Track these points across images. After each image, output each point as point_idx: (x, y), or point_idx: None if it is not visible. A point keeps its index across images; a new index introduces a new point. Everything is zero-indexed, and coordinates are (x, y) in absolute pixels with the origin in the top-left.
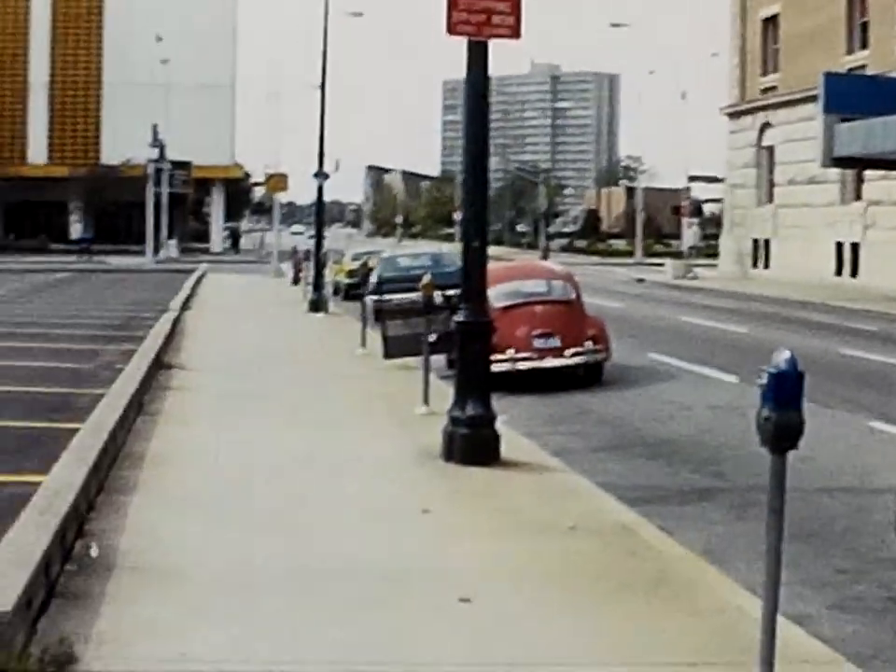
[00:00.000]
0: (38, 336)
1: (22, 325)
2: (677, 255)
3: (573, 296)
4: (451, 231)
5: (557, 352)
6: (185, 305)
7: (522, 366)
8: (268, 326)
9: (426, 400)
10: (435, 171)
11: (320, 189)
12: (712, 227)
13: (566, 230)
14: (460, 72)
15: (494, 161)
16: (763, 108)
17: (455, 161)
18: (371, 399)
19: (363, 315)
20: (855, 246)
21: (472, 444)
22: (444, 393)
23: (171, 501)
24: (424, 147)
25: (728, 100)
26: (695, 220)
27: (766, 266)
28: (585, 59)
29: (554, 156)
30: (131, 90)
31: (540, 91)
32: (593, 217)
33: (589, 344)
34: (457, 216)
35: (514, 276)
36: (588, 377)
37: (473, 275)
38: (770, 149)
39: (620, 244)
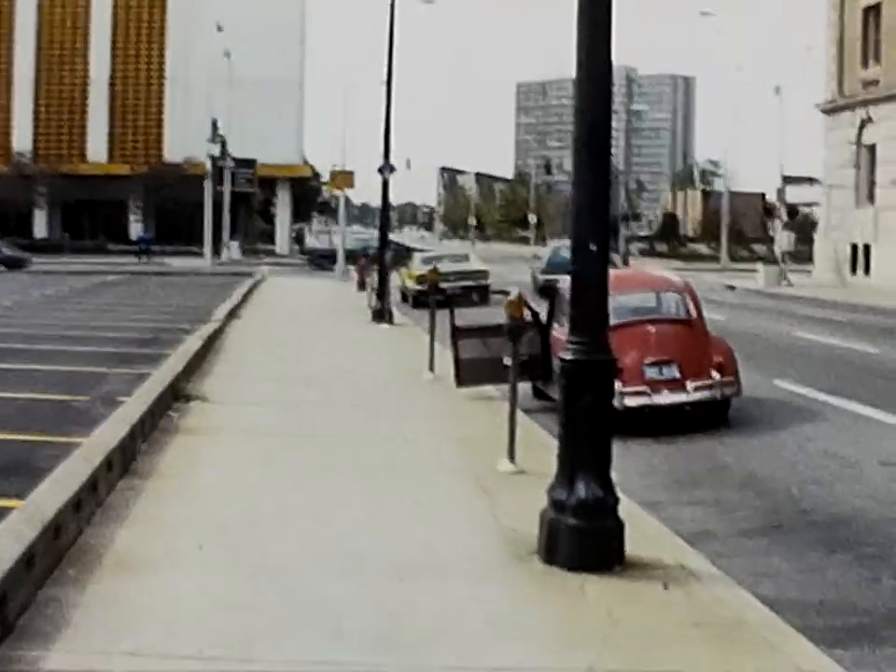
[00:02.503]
0: (46, 355)
1: (36, 339)
2: (763, 260)
3: (694, 313)
4: (525, 234)
5: (676, 385)
6: (233, 314)
7: (631, 402)
8: (322, 341)
9: (511, 455)
10: (508, 173)
11: (385, 185)
12: (798, 231)
13: (640, 233)
14: (533, 74)
15: (567, 162)
16: (864, 103)
17: (528, 163)
18: (439, 446)
19: (431, 327)
20: None
21: (585, 542)
22: (532, 437)
23: None
24: (497, 149)
25: (824, 95)
26: (785, 223)
27: (867, 273)
28: (661, 61)
29: (629, 158)
30: (195, 85)
31: (616, 94)
32: (670, 221)
33: (715, 375)
34: (532, 218)
35: (620, 287)
36: (710, 415)
37: (589, 291)
38: (871, 147)
39: (699, 248)
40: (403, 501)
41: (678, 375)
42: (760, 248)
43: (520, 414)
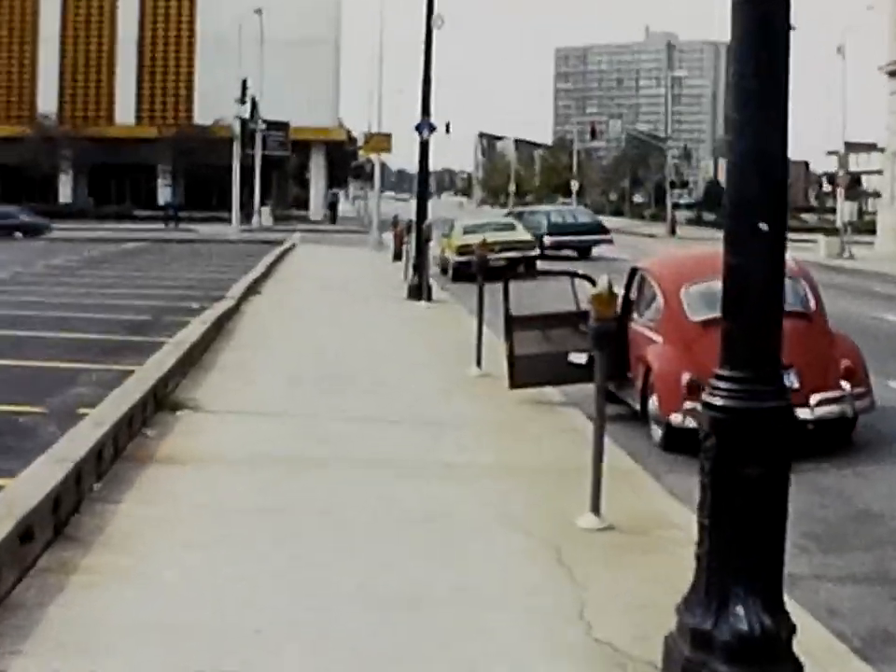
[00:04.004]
0: (18, 343)
1: (14, 322)
2: (818, 230)
3: (813, 304)
4: (567, 200)
5: (795, 398)
6: (252, 289)
7: None
8: (350, 324)
9: (596, 505)
10: (547, 139)
11: (424, 146)
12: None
13: (682, 201)
14: (573, 39)
15: (610, 127)
16: None
17: (568, 129)
18: (494, 483)
19: (479, 311)
20: None
21: None
22: (617, 470)
23: None
24: (536, 116)
25: (889, 56)
26: (847, 192)
27: None
28: (702, 27)
29: (669, 125)
30: (226, 45)
31: (656, 60)
32: (713, 189)
33: (845, 385)
34: (574, 184)
35: (715, 270)
36: (833, 436)
37: (754, 296)
38: None
39: None
40: (447, 580)
41: (797, 385)
42: (809, 217)
43: (589, 426)
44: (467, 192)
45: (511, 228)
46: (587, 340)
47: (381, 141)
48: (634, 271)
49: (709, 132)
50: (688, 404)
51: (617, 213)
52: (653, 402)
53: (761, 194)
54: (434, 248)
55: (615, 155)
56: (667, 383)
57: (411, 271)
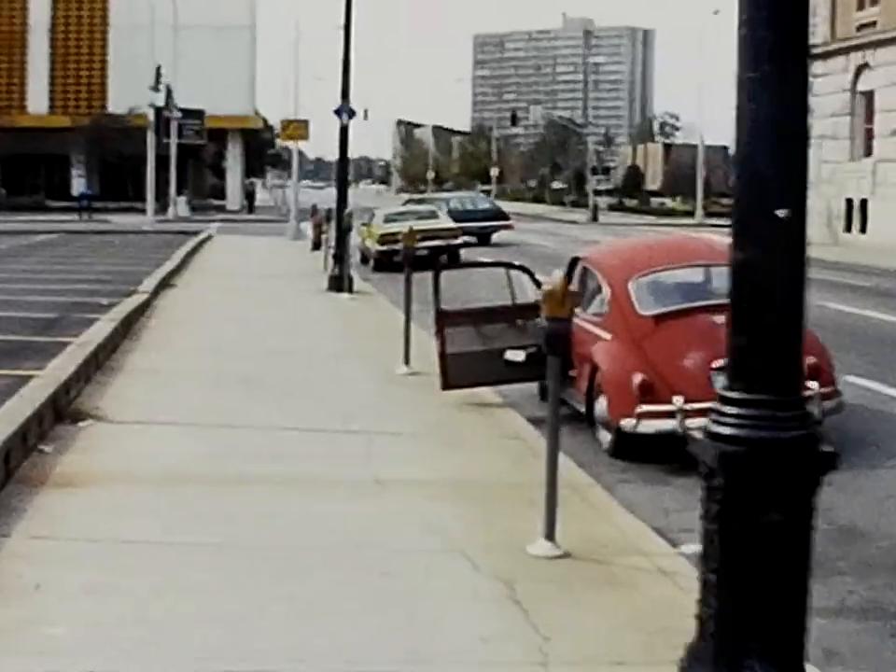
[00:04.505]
0: None
1: None
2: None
3: None
4: (487, 187)
5: None
6: (167, 282)
7: (695, 423)
8: (269, 319)
9: (550, 534)
10: (465, 126)
11: (344, 132)
12: None
13: (600, 187)
14: (490, 26)
15: (531, 113)
16: (859, 48)
17: (486, 116)
18: (436, 507)
19: (406, 306)
20: None
21: None
22: (570, 486)
23: None
24: (453, 103)
25: (815, 39)
26: None
27: (863, 230)
28: (618, 13)
29: (587, 111)
30: (141, 32)
31: (573, 46)
32: (633, 174)
33: (812, 385)
34: (494, 171)
35: (673, 259)
36: None
37: (770, 299)
38: (868, 94)
39: (664, 202)
40: (385, 630)
41: None
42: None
43: (531, 432)
44: (385, 181)
45: (435, 216)
46: (524, 336)
47: (298, 128)
48: (575, 261)
49: (627, 118)
50: (641, 408)
51: (537, 200)
52: (601, 405)
53: (779, 172)
54: (354, 237)
55: (534, 142)
56: (617, 384)
57: (331, 261)
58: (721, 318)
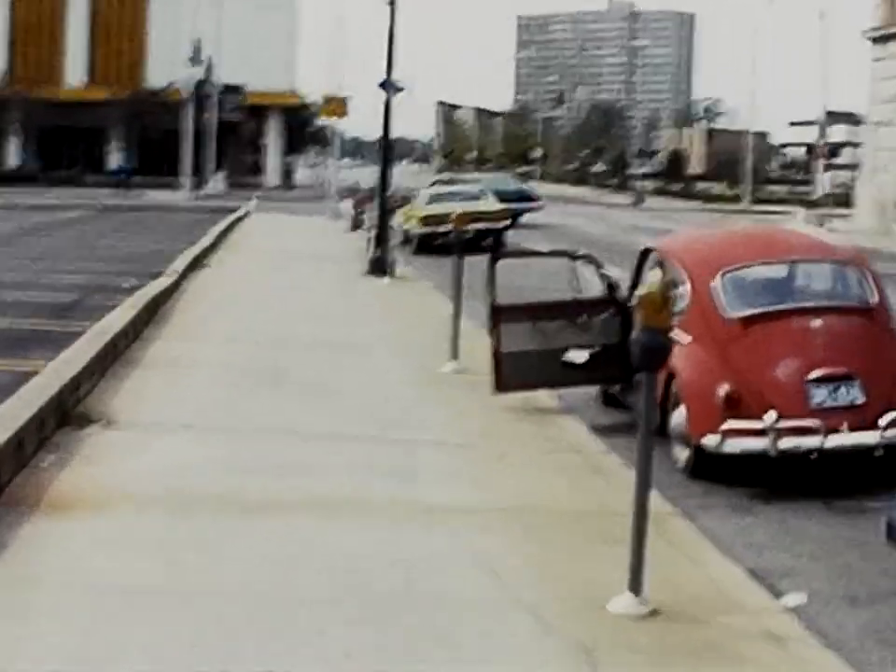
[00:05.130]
0: None
1: None
2: (796, 202)
3: (874, 298)
4: (529, 168)
5: (859, 415)
6: (199, 262)
7: (789, 444)
8: (304, 305)
9: (635, 587)
10: (507, 108)
11: (387, 107)
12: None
13: (642, 170)
14: (534, 7)
15: (578, 93)
16: None
17: (528, 97)
18: (492, 543)
19: (456, 296)
20: None
21: None
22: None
23: None
24: (495, 84)
25: (871, 22)
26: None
27: None
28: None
29: (630, 95)
30: (182, 6)
31: (618, 28)
32: (676, 159)
33: None
34: (538, 151)
35: (761, 255)
36: (888, 459)
37: None
38: None
39: (710, 187)
40: None
41: (861, 401)
42: (778, 189)
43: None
44: (425, 160)
45: (480, 197)
46: (588, 334)
47: (338, 105)
48: (646, 252)
49: (670, 100)
50: (727, 423)
51: (580, 182)
52: (678, 418)
53: None
54: (395, 218)
55: (577, 124)
56: (699, 395)
57: (372, 244)
58: (818, 322)
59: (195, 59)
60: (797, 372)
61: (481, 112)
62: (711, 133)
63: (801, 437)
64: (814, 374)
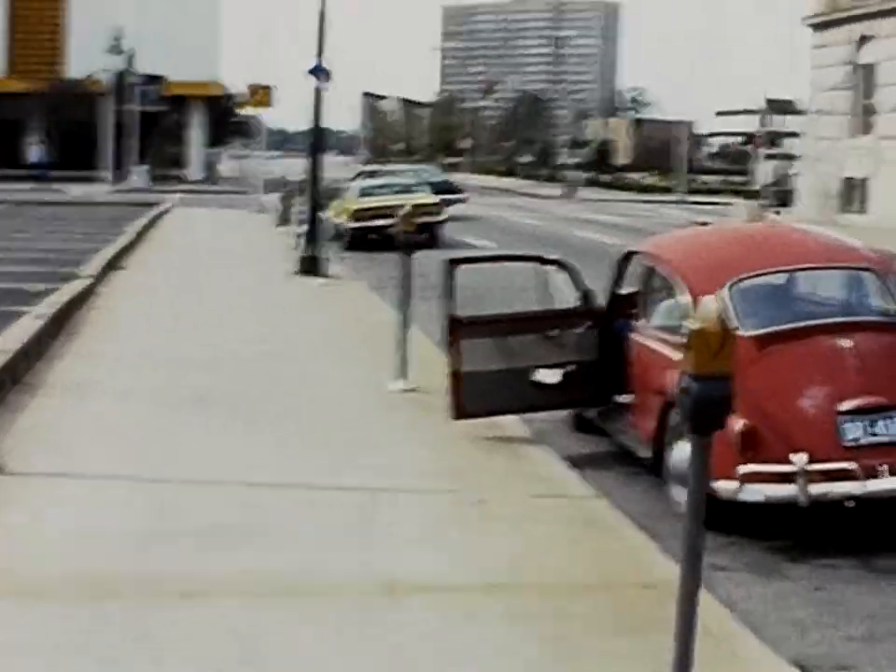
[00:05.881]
0: None
1: None
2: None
3: None
4: (455, 160)
5: None
6: (115, 263)
7: (822, 490)
8: (232, 312)
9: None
10: (431, 99)
11: (318, 94)
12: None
13: (572, 161)
14: None
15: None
16: (861, 18)
17: (454, 88)
18: (490, 639)
19: (404, 305)
20: None
21: None
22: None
23: None
24: (421, 75)
25: (812, 9)
26: (767, 153)
27: (862, 210)
28: None
29: (556, 85)
30: None
31: (543, 19)
32: (604, 149)
33: None
34: (465, 143)
35: (773, 261)
36: None
37: None
38: (869, 68)
39: (638, 178)
40: None
41: None
42: (710, 179)
43: (577, 484)
44: (351, 152)
45: (415, 190)
46: (561, 351)
47: (262, 95)
48: (628, 256)
49: (596, 91)
50: (746, 467)
51: (509, 173)
52: (681, 456)
53: None
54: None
55: (502, 115)
56: None
57: (302, 241)
58: (847, 342)
59: (115, 49)
60: (826, 403)
61: (407, 103)
62: (638, 123)
63: (834, 482)
64: (846, 405)
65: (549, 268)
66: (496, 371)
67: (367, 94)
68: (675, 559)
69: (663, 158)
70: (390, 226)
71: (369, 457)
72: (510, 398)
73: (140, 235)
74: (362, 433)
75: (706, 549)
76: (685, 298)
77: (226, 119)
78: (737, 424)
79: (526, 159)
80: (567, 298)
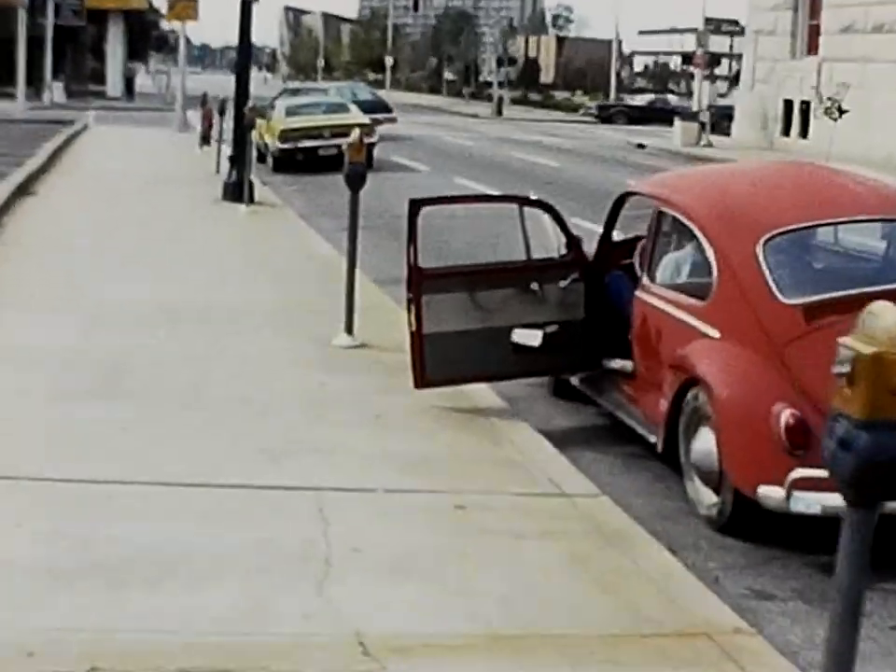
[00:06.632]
0: None
1: None
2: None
3: None
4: (379, 76)
5: None
6: (25, 188)
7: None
8: (150, 245)
9: None
10: (353, 14)
11: (245, 7)
12: (658, 83)
13: (498, 79)
14: None
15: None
16: None
17: (374, 5)
18: None
19: (351, 248)
20: None
21: None
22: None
23: None
24: None
25: None
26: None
27: (804, 135)
28: None
29: (479, 2)
30: None
31: None
32: (532, 67)
33: None
34: (389, 60)
35: (813, 210)
36: None
37: None
38: None
39: (562, 96)
40: None
41: None
42: (641, 98)
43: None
44: (271, 68)
45: (345, 109)
46: (542, 307)
47: (186, 7)
48: (624, 197)
49: (518, 9)
50: (798, 472)
51: (433, 91)
52: (706, 447)
53: None
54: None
55: (426, 31)
56: (747, 421)
57: (226, 164)
58: None
59: None
60: None
61: (328, 18)
62: (562, 42)
63: None
64: None
65: (529, 210)
66: (465, 331)
67: (288, 9)
68: (712, 586)
69: (593, 77)
70: (319, 147)
71: (315, 442)
72: (481, 363)
73: (54, 156)
74: (307, 409)
75: (732, 561)
76: (710, 253)
77: (147, 34)
78: (784, 413)
79: (451, 76)
80: (549, 245)
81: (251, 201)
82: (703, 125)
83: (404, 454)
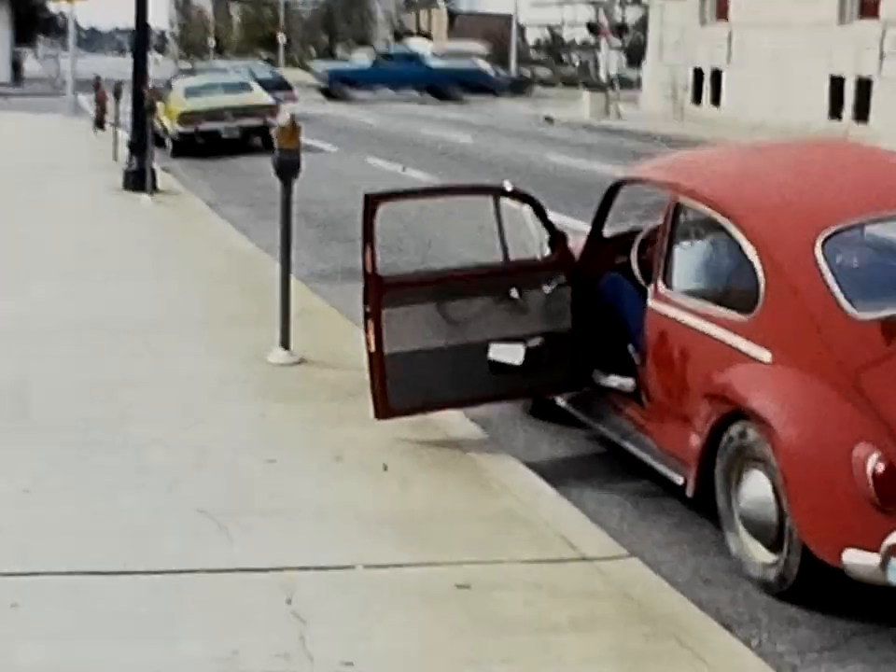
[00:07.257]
0: None
1: None
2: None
3: None
4: (271, 55)
5: None
6: None
7: None
8: (46, 244)
9: None
10: None
11: None
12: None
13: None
14: None
15: None
16: None
17: None
18: None
19: (284, 250)
20: (864, 83)
21: None
22: None
23: None
24: None
25: None
26: (613, 44)
27: (715, 102)
28: None
29: None
30: None
31: None
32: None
33: None
34: (281, 38)
35: (874, 201)
36: None
37: None
38: None
39: None
40: None
41: None
42: (542, 71)
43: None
44: (161, 49)
45: (247, 88)
46: (522, 319)
47: None
48: (618, 185)
49: None
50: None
51: None
52: (762, 497)
53: None
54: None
55: (316, 9)
56: (824, 472)
57: (124, 150)
58: None
59: None
60: None
61: None
62: (453, 17)
63: None
64: None
65: (506, 203)
66: (433, 349)
67: None
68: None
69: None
70: (222, 130)
71: (272, 493)
72: (453, 387)
73: None
74: (252, 451)
75: (819, 649)
76: (754, 256)
77: (34, 17)
78: (870, 459)
79: (344, 54)
80: (529, 244)
81: (154, 189)
82: (609, 96)
83: (379, 510)
